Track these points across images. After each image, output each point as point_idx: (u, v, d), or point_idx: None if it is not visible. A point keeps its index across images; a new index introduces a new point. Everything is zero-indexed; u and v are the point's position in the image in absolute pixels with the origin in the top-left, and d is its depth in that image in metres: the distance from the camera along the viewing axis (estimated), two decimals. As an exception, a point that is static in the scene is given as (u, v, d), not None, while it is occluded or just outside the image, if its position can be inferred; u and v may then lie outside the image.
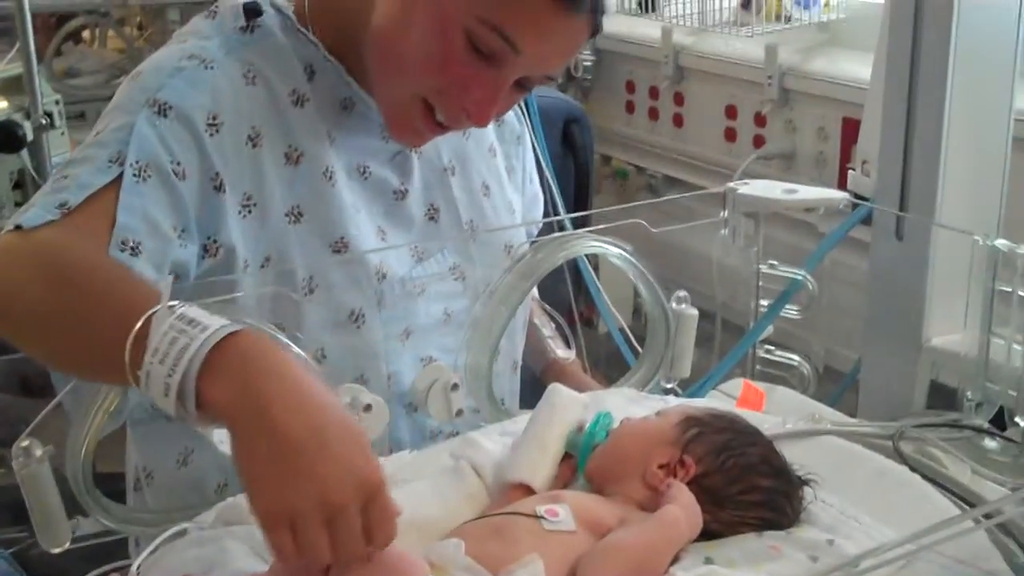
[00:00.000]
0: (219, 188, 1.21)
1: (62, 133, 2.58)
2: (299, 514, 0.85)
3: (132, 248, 1.14)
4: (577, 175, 2.50)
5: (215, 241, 1.22)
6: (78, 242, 1.10)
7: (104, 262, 1.11)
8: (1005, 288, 1.32)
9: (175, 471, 1.31)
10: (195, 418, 0.91)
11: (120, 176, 1.15)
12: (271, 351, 0.92)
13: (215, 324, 0.91)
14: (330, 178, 1.29)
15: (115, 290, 1.03)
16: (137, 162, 1.16)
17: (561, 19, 1.17)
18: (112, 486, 1.38)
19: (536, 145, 1.64)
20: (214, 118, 1.21)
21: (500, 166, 1.50)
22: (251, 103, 1.25)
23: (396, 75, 1.24)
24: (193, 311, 0.92)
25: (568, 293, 1.81)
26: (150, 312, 0.92)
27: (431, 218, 1.40)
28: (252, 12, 1.28)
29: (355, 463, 0.87)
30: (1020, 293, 1.30)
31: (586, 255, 1.49)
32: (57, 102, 2.58)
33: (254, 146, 1.24)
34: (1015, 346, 1.31)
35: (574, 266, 1.77)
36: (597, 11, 1.21)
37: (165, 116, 1.19)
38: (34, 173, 2.55)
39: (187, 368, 0.89)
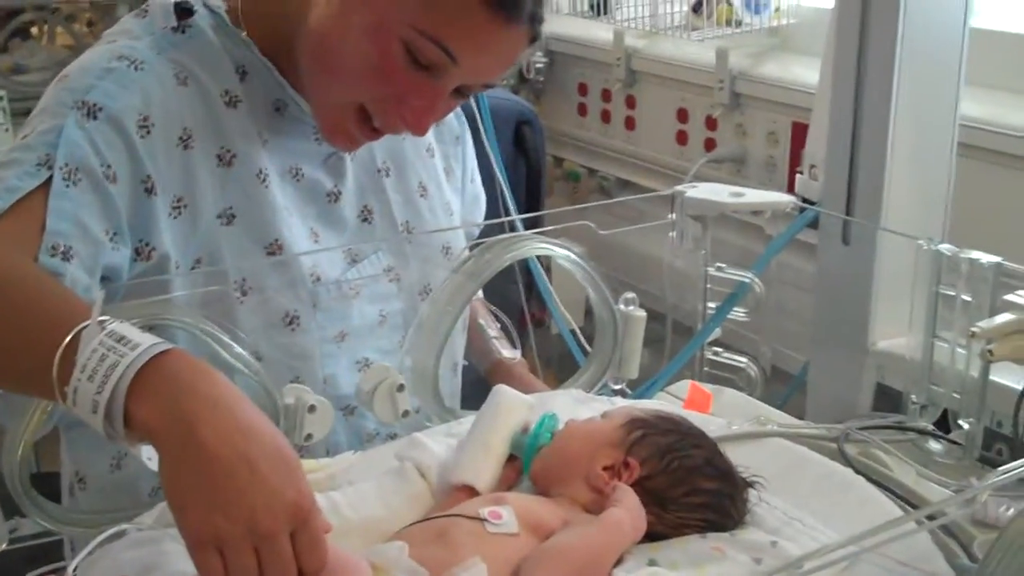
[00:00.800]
0: (150, 191, 1.19)
1: (7, 130, 2.55)
2: (227, 539, 0.83)
3: (63, 253, 1.11)
4: (529, 177, 2.51)
5: (147, 244, 1.20)
6: (6, 250, 1.07)
7: (32, 272, 1.07)
8: (949, 292, 1.33)
9: (108, 475, 1.29)
10: (123, 436, 0.89)
11: (49, 180, 1.13)
12: (201, 372, 0.90)
13: (145, 342, 0.89)
14: (263, 180, 1.27)
15: (44, 301, 1.00)
16: (66, 165, 1.13)
17: (499, 29, 1.17)
18: (56, 486, 1.36)
19: (488, 146, 1.63)
20: (145, 119, 1.19)
21: (438, 167, 1.49)
22: (182, 104, 1.23)
23: (331, 81, 1.23)
24: (124, 328, 0.90)
25: (519, 294, 1.81)
26: (79, 327, 0.90)
27: (365, 219, 1.39)
28: (184, 12, 1.26)
29: (285, 489, 0.85)
30: (963, 297, 1.31)
31: (537, 256, 1.49)
32: (1, 98, 2.55)
33: (185, 148, 1.23)
34: (958, 349, 1.32)
35: (526, 267, 1.76)
36: (535, 20, 1.20)
37: (95, 118, 1.16)
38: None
39: (116, 386, 0.87)
